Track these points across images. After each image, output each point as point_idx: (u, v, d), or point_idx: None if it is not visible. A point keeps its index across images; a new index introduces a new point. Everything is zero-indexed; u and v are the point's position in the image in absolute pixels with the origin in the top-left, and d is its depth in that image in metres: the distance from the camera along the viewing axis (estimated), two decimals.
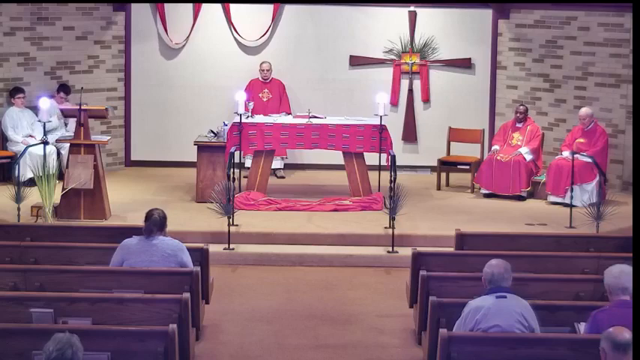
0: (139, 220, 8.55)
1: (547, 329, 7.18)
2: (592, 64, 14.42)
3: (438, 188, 14.24)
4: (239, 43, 15.37)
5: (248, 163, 14.05)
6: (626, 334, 5.44)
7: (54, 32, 14.56)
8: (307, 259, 11.40)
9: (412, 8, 15.26)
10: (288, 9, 15.38)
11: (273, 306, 9.91)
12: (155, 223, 8.30)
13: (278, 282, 10.72)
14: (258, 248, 11.54)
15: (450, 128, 14.70)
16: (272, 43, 15.40)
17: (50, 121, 13.11)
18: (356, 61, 15.38)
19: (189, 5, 15.25)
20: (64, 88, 14.31)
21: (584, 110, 13.57)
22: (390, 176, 11.84)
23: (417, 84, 15.41)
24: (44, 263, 8.79)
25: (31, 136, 13.89)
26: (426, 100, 15.44)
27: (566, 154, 13.25)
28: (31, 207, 11.91)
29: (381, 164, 13.13)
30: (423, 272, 8.45)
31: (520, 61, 15.13)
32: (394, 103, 15.35)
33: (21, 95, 13.96)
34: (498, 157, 13.67)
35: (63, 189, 12.05)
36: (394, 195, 11.53)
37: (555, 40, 14.75)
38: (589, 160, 13.12)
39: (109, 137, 13.11)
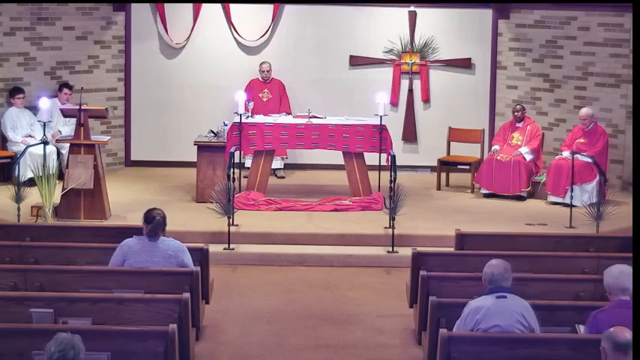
0: (139, 220, 8.54)
1: (547, 329, 7.18)
2: (592, 64, 14.42)
3: (438, 188, 14.24)
4: (239, 43, 15.38)
5: (248, 163, 14.05)
6: (627, 334, 5.44)
7: (54, 32, 14.56)
8: (307, 259, 11.40)
9: (412, 8, 15.26)
10: (288, 9, 15.38)
11: (273, 306, 9.91)
12: (159, 224, 8.30)
13: (278, 282, 10.72)
14: (258, 248, 11.54)
15: (450, 128, 14.70)
16: (272, 43, 15.40)
17: (50, 121, 13.12)
18: (356, 61, 15.38)
19: (189, 5, 15.25)
20: (67, 85, 14.32)
21: (585, 110, 13.57)
22: (390, 176, 11.84)
23: (417, 84, 15.41)
24: (44, 263, 8.79)
25: (30, 136, 13.89)
26: (426, 100, 15.44)
27: (566, 154, 13.26)
28: (31, 207, 11.91)
29: (381, 164, 13.13)
30: (423, 272, 8.46)
31: (520, 61, 15.13)
32: (394, 103, 15.35)
33: (20, 95, 13.96)
34: (498, 157, 13.67)
35: (63, 189, 12.05)
36: (394, 195, 11.53)
37: (555, 40, 14.75)
38: (589, 160, 13.12)
39: (109, 137, 13.12)
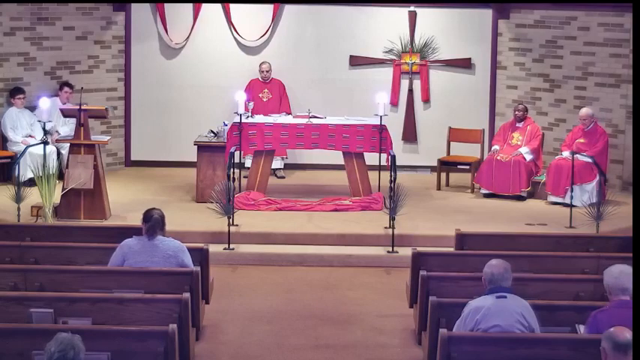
0: (138, 220, 8.54)
1: (547, 329, 7.18)
2: (592, 64, 14.42)
3: (438, 188, 14.24)
4: (239, 43, 15.38)
5: (248, 163, 14.05)
6: (627, 334, 5.44)
7: (54, 32, 14.56)
8: (307, 259, 11.40)
9: (412, 8, 15.26)
10: (288, 9, 15.38)
11: (273, 306, 9.91)
12: (157, 223, 8.32)
13: (278, 282, 10.72)
14: (258, 248, 11.54)
15: (450, 128, 14.70)
16: (272, 43, 15.40)
17: (50, 121, 13.13)
18: (356, 61, 15.38)
19: (189, 5, 15.25)
20: (68, 84, 14.33)
21: (585, 110, 13.57)
22: (390, 176, 11.84)
23: (417, 84, 15.41)
24: (44, 263, 8.79)
25: (30, 136, 13.90)
26: (426, 100, 15.44)
27: (566, 154, 13.26)
28: (31, 207, 11.91)
29: (381, 164, 13.13)
30: (423, 272, 8.46)
31: (520, 61, 15.13)
32: (394, 103, 15.35)
33: (21, 96, 13.96)
34: (498, 157, 13.67)
35: (63, 189, 12.05)
36: (394, 195, 11.53)
37: (555, 40, 14.75)
38: (589, 160, 13.12)
39: (109, 137, 13.12)
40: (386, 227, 11.82)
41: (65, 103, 13.97)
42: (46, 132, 12.15)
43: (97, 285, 8.14)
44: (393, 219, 11.52)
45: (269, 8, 15.31)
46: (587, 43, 14.45)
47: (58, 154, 13.73)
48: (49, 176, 11.76)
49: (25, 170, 13.16)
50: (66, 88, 14.25)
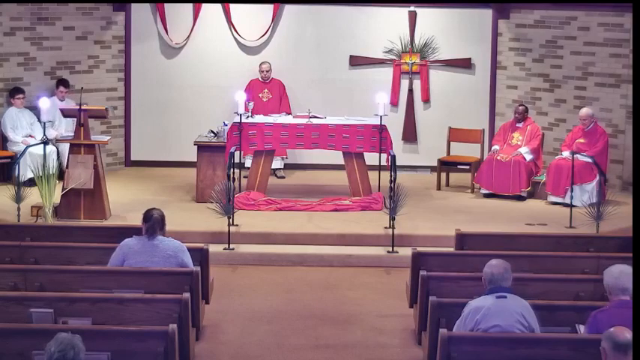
0: (138, 220, 8.55)
1: (547, 329, 7.18)
2: (592, 64, 14.42)
3: (438, 188, 14.24)
4: (239, 43, 15.38)
5: (248, 163, 14.05)
6: (627, 334, 5.44)
7: (54, 32, 14.56)
8: (307, 259, 11.40)
9: (412, 8, 15.26)
10: (288, 9, 15.38)
11: (273, 306, 9.91)
12: (157, 222, 8.32)
13: (278, 282, 10.72)
14: (258, 248, 11.54)
15: (450, 128, 14.70)
16: (272, 43, 15.40)
17: (51, 121, 13.13)
18: (356, 61, 15.38)
19: (190, 5, 15.25)
20: (63, 82, 14.33)
21: (585, 110, 13.57)
22: (390, 176, 11.84)
23: (417, 84, 15.41)
24: (44, 263, 8.79)
25: (30, 136, 13.90)
26: (426, 100, 15.44)
27: (566, 154, 13.26)
28: (31, 207, 11.91)
29: (381, 164, 13.13)
30: (423, 272, 8.46)
31: (520, 61, 15.13)
32: (394, 103, 15.35)
33: (21, 96, 13.96)
34: (498, 157, 13.67)
35: (63, 189, 12.06)
36: (394, 195, 11.53)
37: (555, 40, 14.75)
38: (589, 160, 13.12)
39: (109, 137, 13.12)
40: (386, 227, 11.82)
41: (62, 101, 13.99)
42: (43, 132, 12.17)
43: (97, 285, 8.14)
44: (393, 219, 11.52)
45: (269, 8, 15.31)
46: (587, 43, 14.45)
47: (58, 154, 13.72)
48: (49, 176, 11.76)
49: (25, 170, 13.15)
50: (61, 87, 14.24)
